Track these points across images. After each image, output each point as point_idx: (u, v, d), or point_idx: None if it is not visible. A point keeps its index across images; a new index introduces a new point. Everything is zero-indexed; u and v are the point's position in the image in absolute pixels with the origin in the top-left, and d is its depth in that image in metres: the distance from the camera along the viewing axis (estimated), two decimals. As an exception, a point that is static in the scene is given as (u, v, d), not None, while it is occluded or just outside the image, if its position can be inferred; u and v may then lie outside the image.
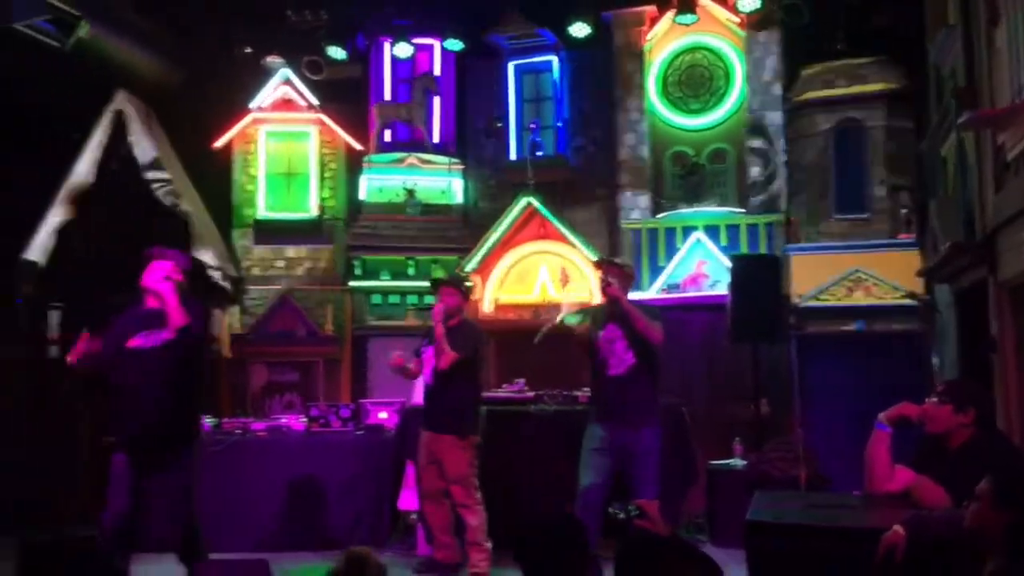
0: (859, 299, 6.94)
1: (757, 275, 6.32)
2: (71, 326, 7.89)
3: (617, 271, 4.99)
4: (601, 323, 4.91)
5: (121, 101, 7.66)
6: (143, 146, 7.65)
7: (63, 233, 7.70)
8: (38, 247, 7.60)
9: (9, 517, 7.36)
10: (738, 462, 6.17)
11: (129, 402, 4.17)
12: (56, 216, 7.63)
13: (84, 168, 7.65)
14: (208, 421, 6.10)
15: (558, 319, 5.22)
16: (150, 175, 7.64)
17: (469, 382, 5.28)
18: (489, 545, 5.07)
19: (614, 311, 4.86)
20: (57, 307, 7.83)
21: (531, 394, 6.09)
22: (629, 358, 4.80)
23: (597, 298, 7.62)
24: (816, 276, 7.14)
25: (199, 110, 8.20)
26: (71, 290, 7.89)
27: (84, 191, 7.72)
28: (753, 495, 4.38)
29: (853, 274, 6.96)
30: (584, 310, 5.08)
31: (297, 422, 6.33)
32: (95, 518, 5.45)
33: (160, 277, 4.29)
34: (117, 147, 7.68)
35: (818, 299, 7.06)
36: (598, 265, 5.14)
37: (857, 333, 6.96)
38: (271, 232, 8.25)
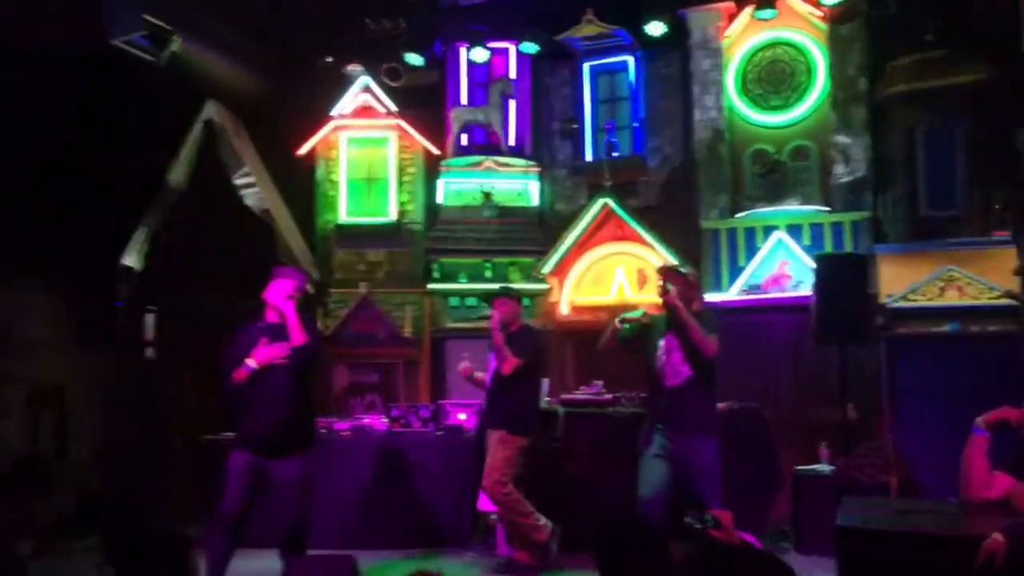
0: (952, 299, 6.67)
1: (843, 275, 6.13)
2: (164, 328, 8.29)
3: (678, 278, 4.92)
4: (661, 332, 4.82)
5: (211, 111, 7.97)
6: (232, 155, 7.94)
7: (157, 239, 8.07)
8: (134, 253, 7.97)
9: (102, 512, 7.75)
10: (825, 467, 6.01)
11: (256, 408, 4.57)
12: (151, 223, 7.99)
13: (177, 176, 7.99)
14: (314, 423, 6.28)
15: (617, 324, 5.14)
16: (239, 182, 7.93)
17: (528, 386, 5.40)
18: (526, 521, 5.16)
19: (672, 320, 4.75)
20: (152, 310, 8.23)
21: (609, 396, 6.08)
22: (685, 370, 4.69)
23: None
24: (905, 276, 6.90)
25: (283, 119, 8.46)
26: (165, 294, 8.27)
27: (177, 199, 8.06)
28: (841, 501, 4.28)
29: (945, 273, 6.69)
30: (635, 321, 4.96)
31: (379, 422, 6.46)
32: (185, 514, 5.73)
33: (283, 296, 4.61)
34: (208, 156, 7.99)
35: (908, 299, 6.82)
36: (660, 272, 5.03)
37: (950, 334, 6.69)
38: (352, 236, 8.43)
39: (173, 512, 8.09)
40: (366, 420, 6.52)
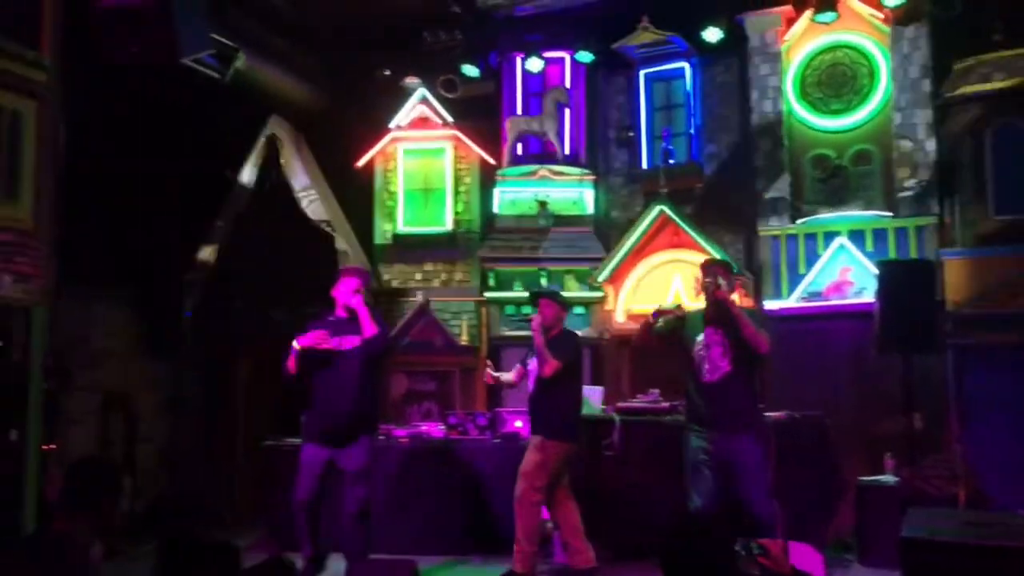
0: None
1: (908, 281, 5.99)
2: (229, 337, 8.51)
3: (726, 273, 4.87)
4: (697, 328, 4.78)
5: (274, 125, 8.19)
6: (294, 168, 8.14)
7: (222, 250, 8.30)
8: (200, 263, 8.22)
9: (160, 517, 7.97)
10: (889, 478, 5.86)
11: (325, 397, 4.94)
12: (216, 234, 8.22)
13: (241, 188, 8.22)
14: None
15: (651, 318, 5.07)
16: (301, 195, 8.12)
17: (568, 390, 5.40)
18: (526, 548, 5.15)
19: (715, 315, 4.70)
20: (217, 319, 8.46)
21: (666, 404, 6.04)
22: (724, 365, 4.64)
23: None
24: (973, 282, 6.71)
25: (342, 131, 8.63)
26: (230, 303, 8.50)
27: (241, 211, 8.29)
28: (906, 512, 4.16)
29: (1015, 278, 6.48)
30: (670, 315, 4.90)
31: (436, 429, 6.52)
32: (246, 518, 5.90)
33: (351, 291, 4.97)
34: (271, 169, 8.21)
35: (977, 306, 6.62)
36: (705, 267, 4.95)
37: (1021, 342, 6.47)
38: (409, 246, 8.55)
39: (233, 517, 8.31)
40: (424, 427, 6.58)
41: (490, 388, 8.39)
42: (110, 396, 7.97)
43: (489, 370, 5.60)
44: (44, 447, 5.32)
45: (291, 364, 4.91)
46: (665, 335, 4.83)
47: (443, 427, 6.51)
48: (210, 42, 4.63)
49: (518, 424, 6.36)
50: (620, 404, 6.23)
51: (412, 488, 6.10)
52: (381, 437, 6.31)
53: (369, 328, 4.88)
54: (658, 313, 4.87)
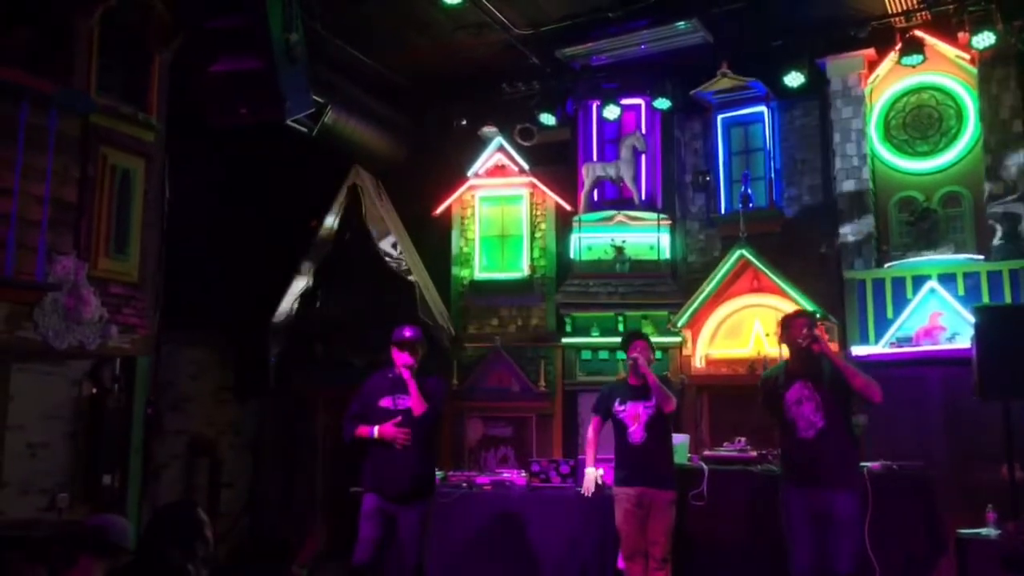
0: None
1: (1007, 327, 5.79)
2: (312, 382, 8.68)
3: (815, 323, 4.75)
4: (784, 383, 4.67)
5: (356, 175, 8.42)
6: (375, 216, 8.33)
7: (305, 298, 8.51)
8: (284, 311, 8.43)
9: (254, 555, 8.09)
10: (991, 531, 5.61)
11: (381, 455, 4.96)
12: (300, 282, 8.44)
13: (324, 237, 8.44)
14: (436, 473, 6.43)
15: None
16: (382, 244, 8.30)
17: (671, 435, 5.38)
18: None
19: (803, 369, 4.59)
20: (301, 365, 8.63)
21: (754, 453, 5.92)
22: (819, 421, 4.53)
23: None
24: (1074, 326, 6.44)
25: (421, 180, 8.83)
26: (314, 349, 8.68)
27: (324, 258, 8.50)
28: (1011, 568, 3.97)
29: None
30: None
31: (518, 476, 6.50)
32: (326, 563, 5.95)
33: (401, 364, 4.97)
34: (352, 218, 8.42)
35: (1078, 352, 6.35)
36: (797, 319, 4.81)
37: None
38: (486, 291, 8.62)
39: (313, 561, 8.38)
40: (506, 475, 6.56)
41: (566, 434, 8.40)
42: (196, 441, 8.19)
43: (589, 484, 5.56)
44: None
45: (349, 437, 5.00)
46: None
47: (525, 474, 6.49)
48: (312, 101, 4.79)
49: (600, 472, 6.29)
50: (707, 453, 6.12)
51: (496, 537, 6.07)
52: (464, 485, 6.35)
53: (417, 406, 4.89)
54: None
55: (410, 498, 4.93)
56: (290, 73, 4.62)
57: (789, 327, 4.72)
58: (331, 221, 8.50)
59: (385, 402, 5.00)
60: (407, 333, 5.09)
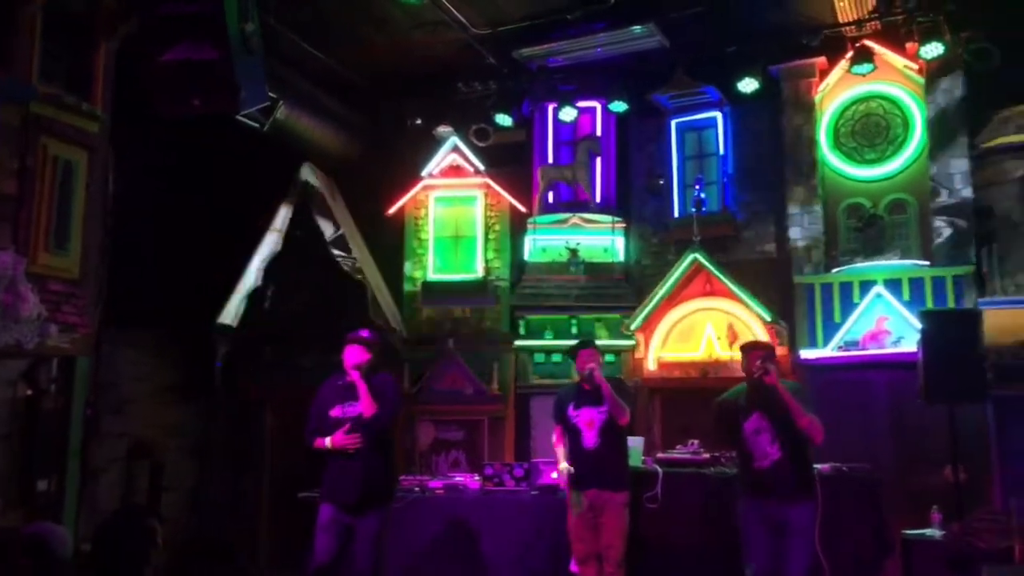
0: (1067, 357, 6.39)
1: (952, 331, 5.93)
2: (259, 384, 8.48)
3: (772, 355, 4.79)
4: (744, 410, 4.70)
5: (307, 173, 8.25)
6: (326, 216, 8.17)
7: (253, 297, 8.30)
8: (230, 312, 8.21)
9: (198, 559, 7.87)
10: (935, 532, 5.74)
11: (335, 465, 4.86)
12: (248, 281, 8.23)
13: (273, 237, 8.25)
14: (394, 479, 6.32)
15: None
16: (333, 243, 8.14)
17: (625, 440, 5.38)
18: None
19: (760, 399, 4.63)
20: (247, 366, 8.42)
21: (707, 456, 5.94)
22: (774, 452, 4.58)
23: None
24: (1012, 332, 6.64)
25: (374, 179, 8.70)
26: (260, 350, 8.47)
27: (273, 258, 8.30)
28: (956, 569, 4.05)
29: (1058, 329, 6.42)
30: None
31: (472, 480, 6.43)
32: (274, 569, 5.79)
33: (350, 365, 4.85)
34: (304, 216, 8.24)
35: (1018, 356, 6.55)
36: (753, 350, 4.84)
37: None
38: (439, 293, 8.52)
39: (258, 567, 8.19)
40: (459, 479, 6.48)
41: (518, 437, 8.35)
42: (136, 443, 7.92)
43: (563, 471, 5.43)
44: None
45: (313, 446, 4.89)
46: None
47: (478, 478, 6.42)
48: (267, 94, 4.65)
49: (554, 475, 6.26)
50: (660, 455, 6.13)
51: (447, 541, 5.99)
52: (416, 489, 6.25)
53: (368, 407, 4.77)
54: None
55: (365, 506, 4.81)
56: (245, 64, 4.48)
57: (745, 357, 4.76)
58: (281, 219, 8.30)
59: (335, 412, 4.90)
60: (362, 333, 5.01)
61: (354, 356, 4.84)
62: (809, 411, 4.55)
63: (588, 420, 5.25)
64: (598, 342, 7.87)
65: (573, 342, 8.15)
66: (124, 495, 7.60)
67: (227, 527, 8.29)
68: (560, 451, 5.48)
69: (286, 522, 7.95)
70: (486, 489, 6.24)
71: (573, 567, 5.75)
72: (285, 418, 8.61)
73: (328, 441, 4.81)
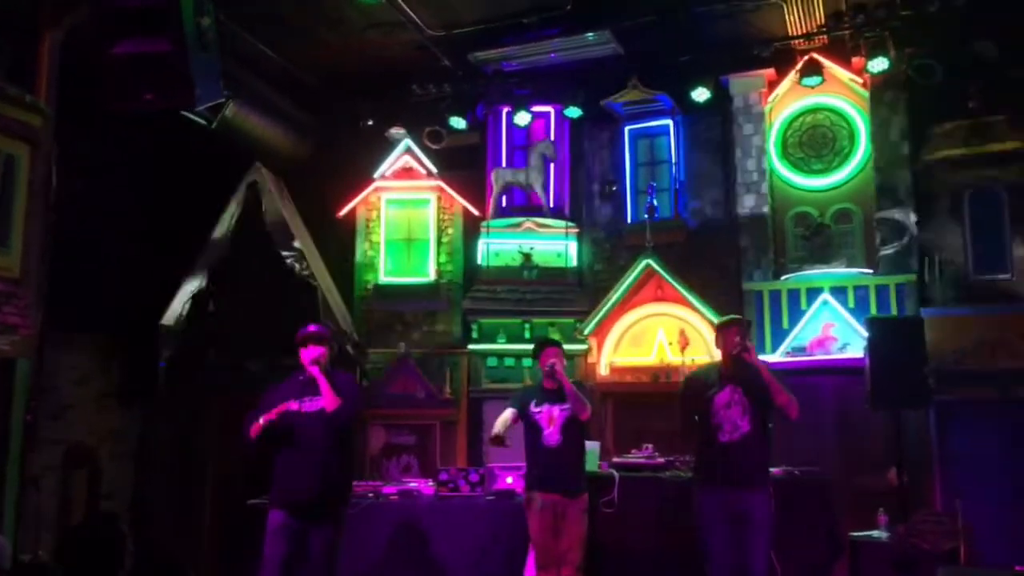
0: (1004, 363, 6.63)
1: (897, 338, 6.11)
2: (204, 389, 8.24)
3: (749, 331, 4.87)
4: (716, 384, 4.74)
5: (256, 173, 8.07)
6: (275, 216, 8.00)
7: (199, 298, 8.07)
8: (174, 313, 7.98)
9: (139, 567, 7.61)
10: (881, 534, 5.89)
11: (293, 468, 4.58)
12: (193, 283, 8.00)
13: (220, 236, 8.04)
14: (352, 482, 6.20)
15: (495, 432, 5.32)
16: (282, 244, 7.97)
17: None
18: None
19: (735, 373, 4.69)
20: (191, 370, 8.19)
21: (662, 460, 5.98)
22: (744, 425, 4.63)
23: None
24: (952, 340, 6.88)
25: (325, 180, 8.56)
26: (205, 353, 8.25)
27: (219, 259, 8.09)
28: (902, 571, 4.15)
29: (996, 336, 6.67)
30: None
31: (426, 486, 6.36)
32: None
33: (309, 360, 4.63)
34: (251, 217, 8.06)
35: (958, 363, 6.79)
36: (731, 326, 4.86)
37: (1002, 399, 6.64)
38: (391, 296, 8.44)
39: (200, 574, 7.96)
40: (413, 484, 6.41)
41: (471, 442, 8.30)
42: (74, 450, 7.63)
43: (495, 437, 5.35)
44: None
45: (252, 432, 4.56)
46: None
47: (433, 483, 6.35)
48: (221, 91, 4.52)
49: (509, 480, 6.23)
50: (616, 459, 6.15)
51: (402, 547, 5.91)
52: (370, 495, 6.14)
53: (330, 401, 4.53)
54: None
55: (320, 510, 4.56)
56: (200, 59, 4.36)
57: (723, 333, 4.79)
58: (228, 219, 8.10)
59: (292, 406, 4.59)
60: (311, 328, 4.78)
61: (311, 353, 4.61)
62: (791, 395, 4.62)
63: (549, 417, 5.21)
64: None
65: (527, 346, 8.24)
66: (60, 503, 7.32)
67: (168, 536, 8.04)
68: (505, 419, 5.36)
69: (231, 530, 7.76)
70: (441, 495, 6.16)
71: (528, 572, 5.75)
72: (230, 423, 8.39)
73: (263, 418, 4.50)
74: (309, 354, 4.63)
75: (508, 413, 5.35)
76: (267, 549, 4.59)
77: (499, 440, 5.25)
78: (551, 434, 5.21)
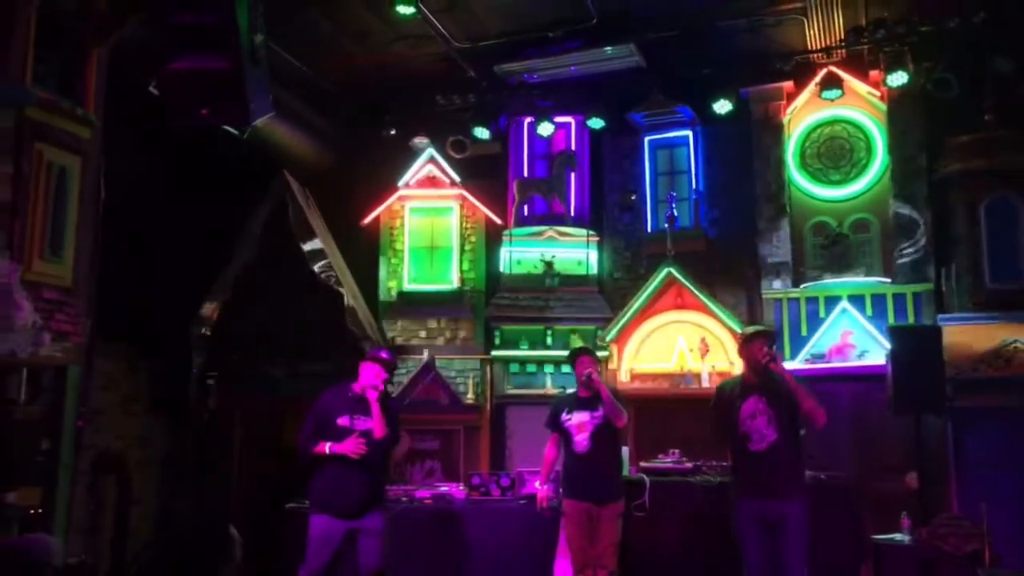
0: (1020, 370, 6.79)
1: (917, 346, 6.27)
2: (230, 395, 8.34)
3: (775, 340, 5.01)
4: (740, 395, 4.87)
5: (282, 181, 8.18)
6: (302, 224, 8.12)
7: (225, 306, 8.18)
8: (202, 319, 8.08)
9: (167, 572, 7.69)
10: (904, 537, 6.03)
11: (336, 472, 4.85)
12: (220, 290, 8.11)
13: (247, 244, 8.15)
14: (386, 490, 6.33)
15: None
16: (309, 251, 8.09)
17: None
18: None
19: (759, 383, 4.82)
20: (218, 376, 8.28)
21: (689, 464, 6.12)
22: (771, 434, 4.75)
23: (738, 369, 7.70)
24: (968, 347, 7.02)
25: (350, 188, 8.69)
26: (232, 360, 8.34)
27: (246, 266, 8.20)
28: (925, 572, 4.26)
29: (1011, 344, 6.83)
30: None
31: (457, 490, 6.48)
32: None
33: (370, 384, 4.91)
34: (278, 224, 8.17)
35: (973, 370, 6.94)
36: (758, 337, 5.00)
37: (1018, 405, 6.79)
38: (414, 303, 8.57)
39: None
40: (444, 488, 6.53)
41: (494, 447, 8.43)
42: (103, 455, 7.72)
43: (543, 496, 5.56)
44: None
45: (314, 450, 4.86)
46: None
47: (464, 487, 6.48)
48: (271, 106, 4.65)
49: (537, 484, 6.35)
50: (644, 464, 6.28)
51: (438, 551, 6.03)
52: (404, 499, 6.28)
53: (380, 428, 4.86)
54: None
55: (362, 511, 4.87)
56: (254, 75, 4.48)
57: (749, 344, 4.91)
58: (255, 228, 8.22)
59: (342, 420, 4.91)
60: (383, 353, 5.10)
61: (372, 375, 4.91)
62: (818, 403, 4.74)
63: (580, 424, 5.33)
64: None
65: (548, 353, 8.39)
66: (92, 509, 7.41)
67: (194, 540, 8.13)
68: (546, 469, 5.56)
69: (256, 535, 7.86)
70: (473, 498, 6.30)
71: (558, 573, 5.88)
72: (253, 429, 8.51)
73: (329, 447, 4.81)
74: (369, 377, 4.91)
75: (548, 447, 5.58)
76: (311, 550, 4.86)
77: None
78: (581, 441, 5.34)
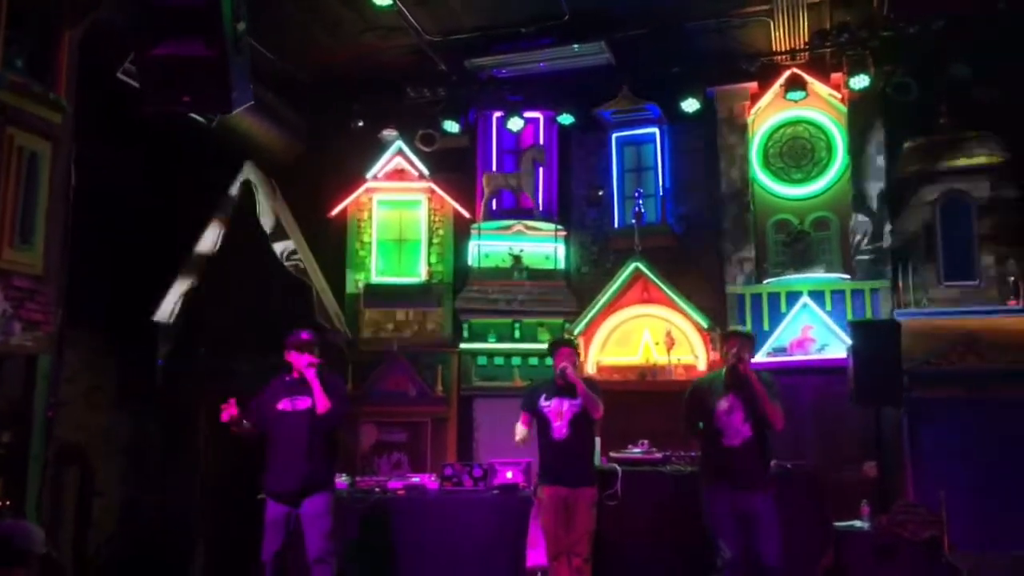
0: (972, 363, 7.07)
1: (876, 340, 6.50)
2: (195, 387, 8.23)
3: (750, 344, 5.19)
4: (719, 392, 5.06)
5: (249, 172, 8.10)
6: (268, 215, 8.04)
7: (189, 298, 8.06)
8: (165, 310, 7.95)
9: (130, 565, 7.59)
10: (864, 523, 6.24)
11: (279, 456, 5.01)
12: (184, 280, 7.99)
13: (212, 234, 8.05)
14: (343, 479, 6.33)
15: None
16: (275, 243, 8.02)
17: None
18: None
19: (735, 382, 5.01)
20: (183, 368, 8.17)
21: (659, 455, 6.24)
22: (745, 431, 4.96)
23: (703, 362, 7.87)
24: (925, 341, 7.28)
25: (317, 180, 8.63)
26: (197, 352, 8.23)
27: (211, 257, 8.10)
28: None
29: (964, 338, 7.10)
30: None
31: (430, 481, 6.51)
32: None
33: (304, 363, 5.02)
34: (244, 215, 8.08)
35: (929, 363, 7.20)
36: (731, 338, 5.24)
37: (970, 397, 7.07)
38: (382, 296, 8.56)
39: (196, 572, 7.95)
40: (417, 479, 6.55)
41: (461, 439, 8.47)
42: (64, 447, 7.56)
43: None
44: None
45: (222, 418, 4.96)
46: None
47: (436, 479, 6.51)
48: (252, 95, 4.61)
49: (508, 475, 6.42)
50: (615, 455, 6.37)
51: (415, 542, 6.06)
52: (376, 490, 6.29)
53: (322, 403, 4.95)
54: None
55: (302, 495, 4.96)
56: (237, 63, 4.44)
57: (722, 344, 5.11)
58: (221, 217, 8.10)
59: (283, 405, 5.01)
60: (304, 336, 5.14)
61: (304, 360, 4.99)
62: (774, 400, 4.92)
63: (558, 411, 5.43)
64: (538, 345, 8.20)
65: (516, 345, 8.47)
66: (52, 501, 7.25)
67: (158, 533, 8.02)
68: (520, 429, 5.59)
69: (221, 527, 7.79)
70: (445, 489, 6.34)
71: (529, 562, 5.95)
72: (218, 421, 8.40)
73: (225, 413, 4.94)
74: (304, 359, 5.01)
75: (519, 425, 5.59)
76: (265, 536, 5.02)
77: (525, 442, 5.50)
78: (559, 428, 5.42)
